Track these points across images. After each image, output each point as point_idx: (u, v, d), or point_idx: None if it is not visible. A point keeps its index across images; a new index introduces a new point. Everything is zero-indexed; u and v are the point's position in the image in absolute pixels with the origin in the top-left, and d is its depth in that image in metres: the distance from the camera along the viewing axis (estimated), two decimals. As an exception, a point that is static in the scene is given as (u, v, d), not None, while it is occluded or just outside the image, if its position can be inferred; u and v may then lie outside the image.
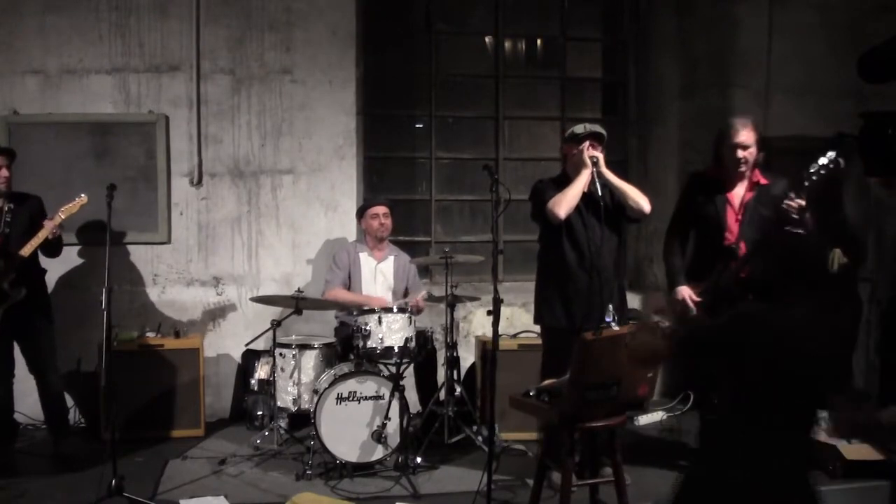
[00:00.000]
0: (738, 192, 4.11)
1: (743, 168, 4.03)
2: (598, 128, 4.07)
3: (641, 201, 4.03)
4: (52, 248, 4.44)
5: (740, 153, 4.00)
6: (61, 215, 4.34)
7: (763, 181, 4.08)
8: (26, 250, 4.23)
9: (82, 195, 4.42)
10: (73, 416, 5.06)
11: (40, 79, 5.24)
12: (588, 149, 3.99)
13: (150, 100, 5.34)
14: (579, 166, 4.00)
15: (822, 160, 3.65)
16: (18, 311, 4.24)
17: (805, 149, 4.71)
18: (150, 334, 5.10)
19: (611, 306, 3.50)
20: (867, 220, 5.37)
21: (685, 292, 4.11)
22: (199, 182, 5.42)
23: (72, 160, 5.20)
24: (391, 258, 5.13)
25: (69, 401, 5.01)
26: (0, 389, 4.37)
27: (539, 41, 6.37)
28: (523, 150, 6.25)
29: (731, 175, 4.10)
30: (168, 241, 5.38)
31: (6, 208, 4.34)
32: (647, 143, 6.27)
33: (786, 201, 3.74)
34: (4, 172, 4.33)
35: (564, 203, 3.95)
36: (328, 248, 5.48)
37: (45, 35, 5.22)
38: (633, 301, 5.69)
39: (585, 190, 3.99)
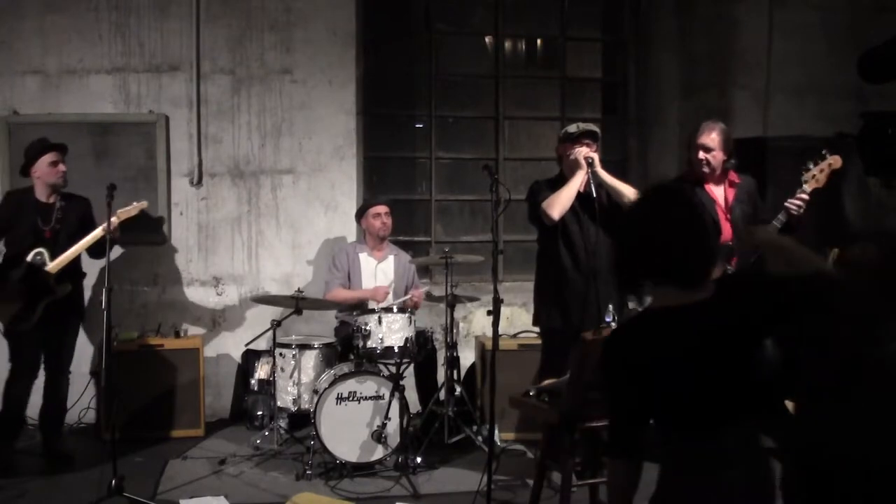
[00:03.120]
0: (721, 192, 4.17)
1: (706, 170, 4.10)
2: (591, 126, 4.08)
3: None
4: (103, 248, 4.40)
5: (701, 154, 4.08)
6: (119, 217, 4.35)
7: (737, 180, 4.18)
8: (80, 247, 4.26)
9: (143, 201, 4.55)
10: (76, 416, 5.06)
11: (40, 79, 5.24)
12: (583, 149, 3.99)
13: (150, 100, 5.34)
14: (575, 167, 4.00)
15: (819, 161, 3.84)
16: (54, 308, 4.25)
17: (805, 149, 4.72)
18: (150, 334, 5.10)
19: (611, 306, 3.50)
20: (867, 220, 5.36)
21: None
22: (199, 182, 5.42)
23: (72, 160, 5.16)
24: (391, 257, 5.13)
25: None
26: (22, 386, 4.35)
27: (539, 41, 6.36)
28: (523, 150, 6.25)
29: (699, 174, 4.14)
30: (168, 241, 5.38)
31: (58, 205, 4.37)
32: (647, 143, 6.26)
33: (789, 201, 3.81)
34: (62, 167, 4.38)
35: (558, 204, 3.95)
36: (328, 248, 5.48)
37: (45, 35, 5.22)
38: (633, 301, 5.68)
39: (581, 191, 3.99)
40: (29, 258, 4.22)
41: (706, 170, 4.11)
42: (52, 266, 4.24)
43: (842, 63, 4.97)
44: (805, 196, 3.84)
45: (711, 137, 4.09)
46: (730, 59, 5.68)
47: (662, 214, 1.95)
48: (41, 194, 4.37)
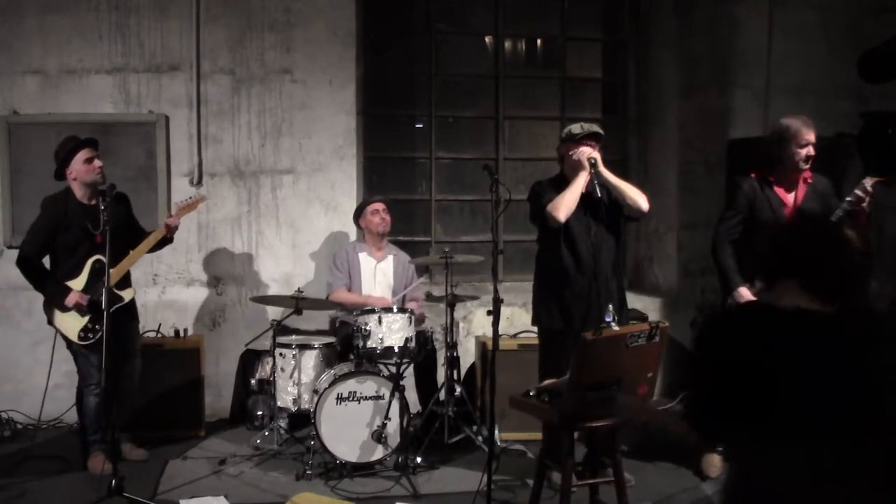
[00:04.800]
0: (791, 192, 4.06)
1: (805, 166, 3.98)
2: (595, 127, 4.05)
3: (640, 200, 4.01)
4: (162, 243, 4.39)
5: (810, 151, 3.94)
6: (180, 215, 4.29)
7: (810, 179, 4.06)
8: (141, 250, 4.19)
9: (202, 195, 4.46)
10: (75, 416, 5.05)
11: (40, 79, 5.24)
12: (586, 149, 3.98)
13: (150, 100, 5.34)
14: (577, 167, 3.99)
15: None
16: (118, 313, 4.13)
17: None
18: (150, 334, 5.09)
19: (610, 306, 3.50)
20: (867, 219, 5.36)
21: (747, 294, 3.93)
22: (199, 182, 5.42)
23: (72, 160, 5.19)
24: (391, 257, 5.13)
25: (65, 402, 4.99)
26: (94, 396, 4.22)
27: (539, 41, 6.37)
28: (523, 150, 6.25)
29: (788, 175, 4.03)
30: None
31: (101, 206, 4.13)
32: (647, 143, 6.27)
33: (856, 191, 3.73)
34: (97, 162, 4.19)
35: (563, 207, 3.93)
36: (328, 248, 5.48)
37: (45, 35, 5.22)
38: (634, 301, 5.69)
39: (583, 191, 3.98)
40: (88, 268, 4.11)
41: (806, 165, 3.97)
42: (113, 275, 4.07)
43: (842, 63, 4.98)
44: (867, 190, 3.72)
45: (813, 133, 3.95)
46: (730, 59, 5.68)
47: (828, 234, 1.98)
48: (82, 196, 4.17)
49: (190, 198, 4.43)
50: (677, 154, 5.91)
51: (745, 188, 4.10)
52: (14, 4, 5.19)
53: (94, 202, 4.17)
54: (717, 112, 5.64)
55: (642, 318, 5.05)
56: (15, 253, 5.14)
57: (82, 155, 4.15)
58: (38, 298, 5.09)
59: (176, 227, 4.34)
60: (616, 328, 3.24)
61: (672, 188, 5.87)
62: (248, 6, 5.40)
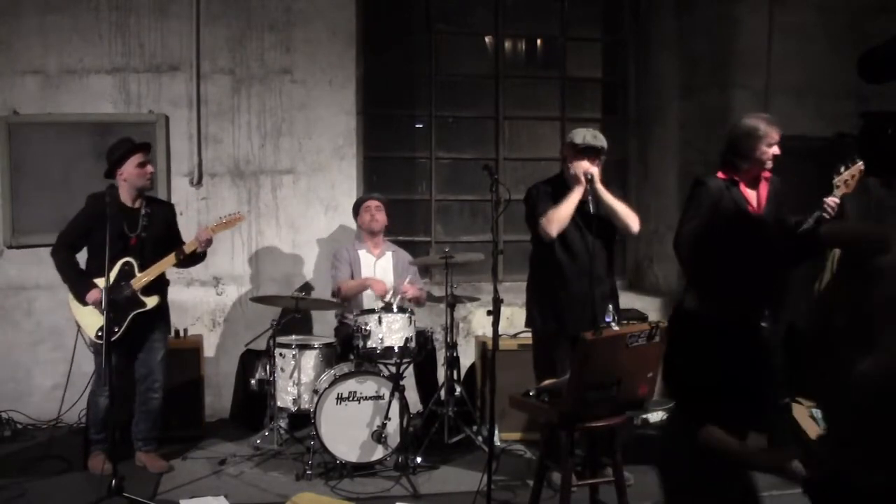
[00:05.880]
0: (752, 191, 3.98)
1: (770, 165, 3.89)
2: (596, 141, 4.00)
3: (630, 222, 4.04)
4: (195, 259, 4.33)
5: (776, 150, 3.86)
6: (213, 231, 4.24)
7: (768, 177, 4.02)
8: (158, 267, 4.13)
9: (240, 213, 4.39)
10: (76, 416, 5.06)
11: (40, 79, 5.24)
12: (584, 164, 3.96)
13: (150, 100, 5.34)
14: (574, 180, 4.00)
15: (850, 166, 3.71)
16: (142, 319, 4.15)
17: (805, 149, 4.69)
18: (150, 334, 5.08)
19: (610, 306, 3.51)
20: (867, 220, 5.36)
21: None
22: (199, 182, 5.42)
23: (72, 160, 5.19)
24: (389, 254, 5.13)
25: (66, 401, 4.98)
26: (103, 398, 4.14)
27: (539, 41, 6.37)
28: (523, 150, 6.25)
29: (752, 174, 3.93)
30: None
31: (143, 211, 4.16)
32: (647, 143, 6.27)
33: (825, 200, 3.71)
34: (150, 168, 4.19)
35: (556, 222, 3.95)
36: (328, 248, 5.48)
37: (45, 35, 5.22)
38: (634, 301, 5.69)
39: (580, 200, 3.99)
40: (116, 268, 4.06)
41: (771, 164, 3.89)
42: (139, 279, 4.09)
43: (842, 63, 4.97)
44: (836, 200, 3.70)
45: (778, 132, 3.85)
46: (730, 59, 5.68)
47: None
48: (126, 198, 4.15)
49: (229, 215, 4.38)
50: (677, 154, 5.92)
51: (711, 186, 3.93)
52: (14, 4, 5.19)
53: (137, 205, 4.18)
54: (717, 112, 5.64)
55: (642, 318, 5.04)
56: (15, 253, 5.19)
57: (136, 158, 4.14)
58: (38, 298, 5.11)
59: (209, 242, 4.26)
60: (616, 328, 3.24)
61: (672, 188, 5.87)
62: (248, 6, 5.40)
